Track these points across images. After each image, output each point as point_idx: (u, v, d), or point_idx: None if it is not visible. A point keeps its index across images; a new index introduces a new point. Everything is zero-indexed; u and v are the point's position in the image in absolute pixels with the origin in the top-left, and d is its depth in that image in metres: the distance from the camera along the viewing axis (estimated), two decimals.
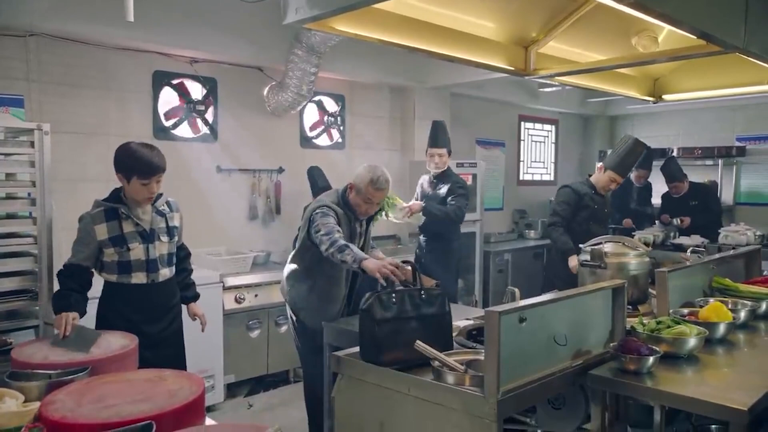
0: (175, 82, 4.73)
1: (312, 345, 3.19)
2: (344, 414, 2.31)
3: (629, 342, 2.14)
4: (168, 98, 4.71)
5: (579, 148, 8.65)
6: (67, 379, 1.86)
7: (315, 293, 3.18)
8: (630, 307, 2.76)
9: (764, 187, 7.10)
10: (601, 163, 4.44)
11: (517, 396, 1.89)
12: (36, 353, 2.20)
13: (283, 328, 4.70)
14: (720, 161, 7.06)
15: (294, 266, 3.27)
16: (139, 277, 2.73)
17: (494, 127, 7.36)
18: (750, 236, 5.38)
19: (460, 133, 6.65)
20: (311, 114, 5.65)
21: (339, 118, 5.82)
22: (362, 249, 3.24)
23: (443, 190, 4.59)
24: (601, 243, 3.09)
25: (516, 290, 2.70)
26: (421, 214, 4.40)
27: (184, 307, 3.03)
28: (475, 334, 2.48)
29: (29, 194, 2.94)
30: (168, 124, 4.71)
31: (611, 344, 2.21)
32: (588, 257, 3.06)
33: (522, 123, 7.82)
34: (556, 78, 3.57)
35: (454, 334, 2.41)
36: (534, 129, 8.04)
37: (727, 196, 7.17)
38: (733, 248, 4.59)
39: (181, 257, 3.01)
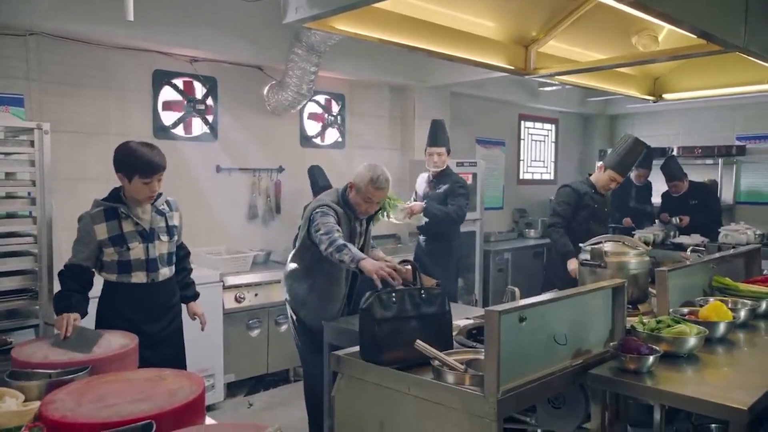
0: (175, 81, 4.73)
1: (312, 344, 3.20)
2: (344, 413, 2.31)
3: (629, 341, 2.14)
4: (168, 97, 4.71)
5: (579, 148, 8.65)
6: (67, 379, 1.86)
7: (315, 292, 3.18)
8: (630, 306, 2.76)
9: (764, 186, 7.10)
10: (601, 163, 4.44)
11: (517, 395, 1.89)
12: (36, 353, 2.20)
13: (283, 328, 4.70)
14: (720, 160, 7.06)
15: (294, 265, 3.27)
16: (139, 277, 2.73)
17: (494, 127, 7.36)
18: (750, 235, 5.39)
19: (460, 132, 6.65)
20: (311, 113, 5.65)
21: (339, 118, 5.82)
22: (362, 248, 3.24)
23: (443, 189, 4.60)
24: (601, 242, 3.09)
25: (516, 290, 2.70)
26: (421, 214, 4.40)
27: (183, 306, 3.03)
28: (475, 334, 2.48)
29: (29, 193, 2.94)
30: (168, 123, 4.71)
31: (611, 343, 2.21)
32: (588, 256, 3.06)
33: (522, 122, 7.82)
34: (557, 77, 3.57)
35: (454, 334, 2.41)
36: (534, 128, 8.04)
37: (727, 195, 7.17)
38: (733, 247, 4.59)
39: (181, 256, 3.01)
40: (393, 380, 2.10)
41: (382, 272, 2.43)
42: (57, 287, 2.73)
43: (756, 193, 7.15)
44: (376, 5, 2.34)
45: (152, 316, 2.77)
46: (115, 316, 2.68)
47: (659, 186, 6.36)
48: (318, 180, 4.94)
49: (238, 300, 4.48)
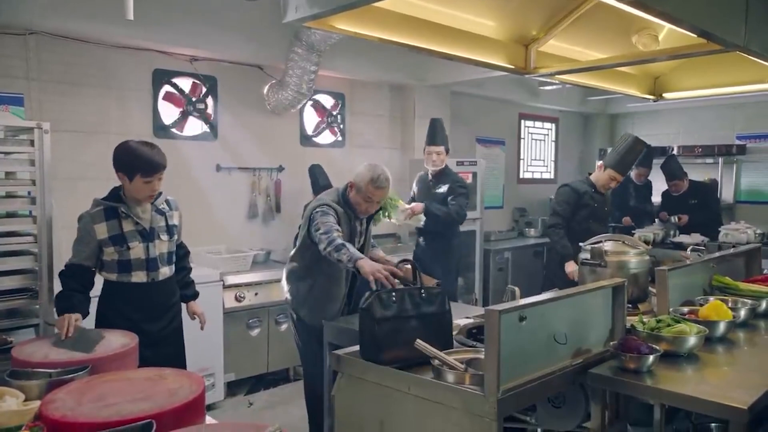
0: (175, 80, 4.72)
1: (312, 343, 3.20)
2: (344, 412, 2.31)
3: (629, 340, 2.14)
4: (168, 97, 4.71)
5: (579, 147, 8.64)
6: (67, 378, 1.86)
7: (315, 292, 3.18)
8: (630, 305, 2.76)
9: (764, 185, 7.10)
10: (601, 162, 4.44)
11: (517, 395, 1.89)
12: (36, 352, 2.20)
13: (283, 327, 4.70)
14: (720, 159, 7.06)
15: (294, 265, 3.27)
16: (139, 276, 2.73)
17: (494, 126, 7.36)
18: (750, 234, 5.38)
19: (460, 131, 6.66)
20: (311, 112, 5.65)
21: (339, 117, 5.82)
22: (363, 248, 3.24)
23: (443, 189, 4.59)
24: (601, 241, 3.10)
25: (516, 289, 2.70)
26: (421, 215, 4.39)
27: (183, 305, 3.03)
28: (475, 333, 2.48)
29: (29, 193, 2.94)
30: (168, 122, 4.71)
31: (611, 343, 2.21)
32: (588, 256, 3.06)
33: (522, 121, 7.82)
34: (557, 76, 3.57)
35: (454, 333, 2.42)
36: (534, 127, 8.04)
37: (727, 194, 7.17)
38: (734, 246, 4.58)
39: (180, 256, 3.01)
40: (393, 379, 2.10)
41: (379, 274, 2.42)
42: (57, 286, 2.73)
43: (756, 192, 7.15)
44: (376, 4, 2.34)
45: (152, 315, 2.78)
46: (115, 316, 2.69)
47: (659, 185, 6.36)
48: (319, 179, 4.94)
49: (238, 299, 4.48)
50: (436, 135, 4.69)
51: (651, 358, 2.06)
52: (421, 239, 4.79)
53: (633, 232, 5.52)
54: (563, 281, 3.95)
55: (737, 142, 7.16)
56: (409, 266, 2.77)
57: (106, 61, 4.32)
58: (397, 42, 2.69)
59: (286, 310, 3.45)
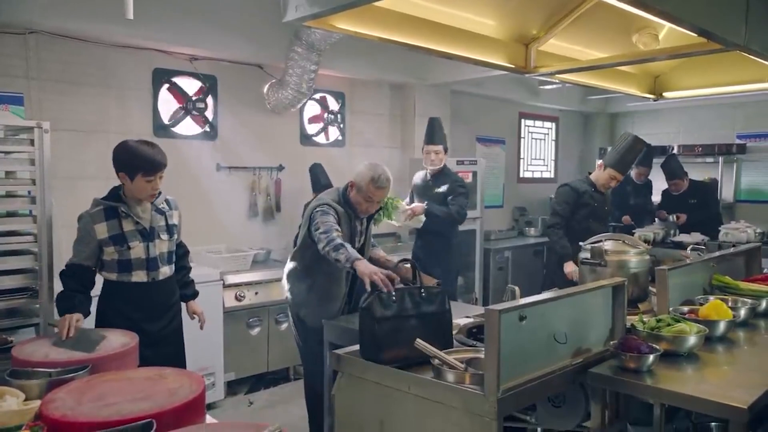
0: (175, 79, 4.72)
1: (312, 343, 3.20)
2: (344, 412, 2.32)
3: (629, 340, 2.14)
4: (168, 96, 4.71)
5: (579, 146, 8.64)
6: (67, 378, 1.86)
7: (315, 291, 3.18)
8: (630, 305, 2.75)
9: (764, 184, 7.10)
10: (600, 161, 4.44)
11: (517, 394, 1.89)
12: (36, 351, 2.20)
13: (283, 326, 4.71)
14: (720, 159, 7.06)
15: (294, 264, 3.27)
16: (139, 276, 2.73)
17: (494, 125, 7.36)
18: (750, 234, 5.38)
19: (460, 130, 6.65)
20: (311, 111, 5.64)
21: (339, 116, 5.82)
22: (363, 247, 3.25)
23: (443, 189, 4.58)
24: (601, 241, 3.09)
25: (516, 288, 2.70)
26: (421, 216, 4.37)
27: (183, 305, 3.03)
28: (475, 332, 2.48)
29: (29, 192, 2.94)
30: (168, 121, 4.70)
31: (611, 342, 2.21)
32: (588, 255, 3.06)
33: (522, 120, 7.82)
34: (557, 76, 3.57)
35: (454, 332, 2.42)
36: (534, 126, 8.03)
37: (727, 193, 7.17)
38: (734, 246, 4.58)
39: (180, 255, 3.01)
40: (393, 379, 2.10)
41: (375, 277, 2.40)
42: (57, 286, 2.73)
43: (756, 191, 7.15)
44: (376, 4, 2.33)
45: (152, 314, 2.78)
46: (116, 315, 2.69)
47: (660, 184, 6.36)
48: (320, 178, 4.93)
49: (238, 298, 4.48)
50: (434, 134, 4.68)
51: (651, 357, 2.06)
52: (420, 239, 4.79)
53: (633, 231, 5.52)
54: (563, 280, 3.95)
55: (737, 141, 7.16)
56: (408, 265, 2.77)
57: (105, 60, 4.32)
58: (397, 41, 2.69)
59: (286, 309, 3.44)
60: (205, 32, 4.31)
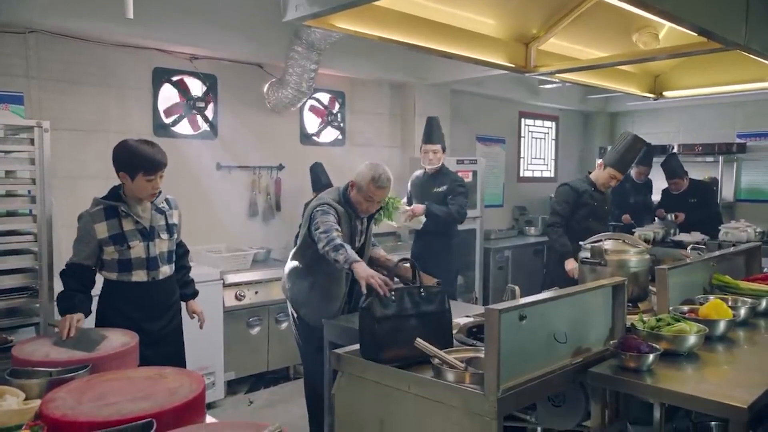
0: (175, 78, 4.72)
1: (312, 342, 3.20)
2: (344, 411, 2.32)
3: (629, 339, 2.14)
4: (168, 95, 4.71)
5: (579, 145, 8.64)
6: (67, 377, 1.86)
7: (315, 290, 3.18)
8: (630, 304, 2.76)
9: (765, 183, 7.10)
10: (600, 160, 4.44)
11: (517, 394, 1.89)
12: (36, 351, 2.21)
13: (284, 325, 4.71)
14: (720, 158, 7.06)
15: (295, 263, 3.27)
16: (139, 275, 2.73)
17: (494, 124, 7.35)
18: (750, 233, 5.38)
19: (460, 129, 6.65)
20: (311, 111, 5.64)
21: (339, 115, 5.82)
22: (363, 247, 3.25)
23: (442, 188, 4.56)
24: (601, 240, 3.09)
25: (516, 288, 2.70)
26: (421, 217, 4.35)
27: (183, 304, 3.03)
28: (475, 332, 2.48)
29: (29, 192, 2.94)
30: (168, 121, 4.70)
31: (611, 342, 2.21)
32: (588, 254, 3.06)
33: (522, 119, 7.82)
34: (557, 75, 3.57)
35: (454, 332, 2.42)
36: (534, 125, 8.03)
37: (727, 192, 7.17)
38: (734, 245, 4.58)
39: (180, 254, 3.01)
40: (393, 378, 2.10)
41: (372, 280, 2.40)
42: (57, 285, 2.73)
43: (756, 190, 7.15)
44: (376, 3, 2.33)
45: (153, 314, 2.78)
46: (116, 315, 2.69)
47: (660, 183, 6.36)
48: (320, 177, 4.93)
49: (238, 298, 4.48)
50: (432, 133, 4.67)
51: (651, 357, 2.06)
52: (419, 238, 4.77)
53: (633, 230, 5.52)
54: (564, 279, 3.95)
55: (737, 140, 7.16)
56: (408, 265, 2.77)
57: (106, 59, 4.32)
58: (397, 41, 2.69)
59: (287, 308, 3.44)
60: (205, 31, 4.31)
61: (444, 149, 4.68)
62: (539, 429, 2.47)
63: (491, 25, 3.05)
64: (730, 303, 2.74)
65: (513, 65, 3.25)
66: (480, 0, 2.89)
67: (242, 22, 4.44)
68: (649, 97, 4.25)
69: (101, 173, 3.89)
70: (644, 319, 2.40)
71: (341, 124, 5.84)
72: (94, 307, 2.72)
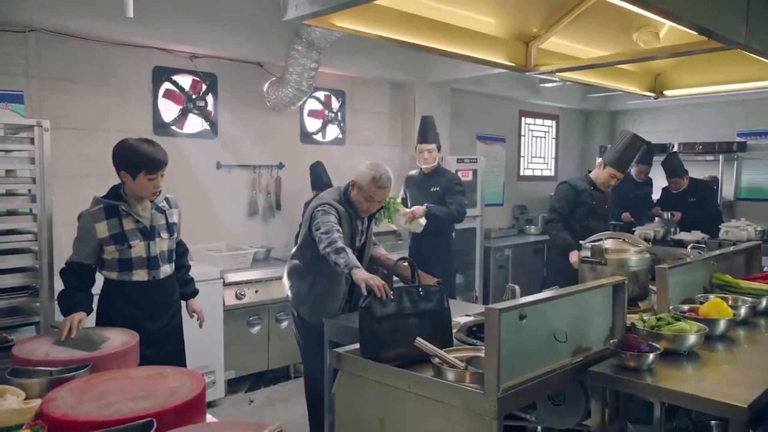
0: (175, 77, 4.72)
1: (313, 341, 3.20)
2: (345, 410, 2.32)
3: (629, 339, 2.14)
4: (168, 94, 4.70)
5: (580, 144, 8.64)
6: (68, 376, 1.86)
7: (316, 290, 3.18)
8: (630, 303, 2.76)
9: (765, 182, 7.10)
10: (600, 159, 4.43)
11: (518, 393, 1.89)
12: (37, 350, 2.21)
13: (284, 324, 4.71)
14: (721, 157, 7.06)
15: (295, 262, 3.27)
16: (140, 275, 2.73)
17: (495, 123, 7.35)
18: (750, 232, 5.38)
19: (460, 128, 6.65)
20: (311, 110, 5.64)
21: (339, 114, 5.81)
22: (363, 247, 3.25)
23: (439, 188, 4.55)
24: (601, 239, 3.09)
25: (516, 287, 2.70)
26: (421, 219, 4.32)
27: (183, 303, 3.03)
28: (475, 331, 2.48)
29: (29, 191, 2.93)
30: (168, 119, 4.70)
31: (611, 341, 2.21)
32: (588, 254, 3.06)
33: (522, 118, 7.81)
34: (557, 74, 3.56)
35: (454, 331, 2.42)
36: (534, 124, 8.03)
37: (727, 191, 7.17)
38: (734, 244, 4.58)
39: (179, 253, 3.01)
40: (393, 377, 2.11)
41: (372, 282, 2.40)
42: (58, 284, 2.73)
43: (757, 189, 7.15)
44: (377, 2, 2.33)
45: (153, 313, 2.78)
46: (116, 314, 2.69)
47: (660, 182, 6.35)
48: (321, 176, 4.92)
49: (238, 297, 4.48)
50: (427, 133, 4.65)
51: (651, 356, 2.06)
52: (417, 237, 4.74)
53: (633, 229, 5.51)
54: (565, 278, 3.94)
55: (738, 139, 7.15)
56: (407, 264, 2.77)
57: (106, 58, 4.31)
58: (397, 40, 2.68)
59: (287, 307, 3.44)
60: (205, 30, 4.31)
61: (439, 148, 4.66)
62: (539, 428, 2.48)
63: (491, 24, 3.04)
64: (730, 302, 2.74)
65: (513, 64, 3.25)
66: None
67: (242, 21, 4.43)
68: (650, 96, 4.25)
69: (101, 172, 3.87)
70: (644, 318, 2.40)
71: (341, 123, 5.83)
72: (94, 305, 2.72)
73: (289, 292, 3.33)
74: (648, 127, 7.73)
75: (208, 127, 4.92)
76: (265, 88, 5.07)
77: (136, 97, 4.51)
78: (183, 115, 4.77)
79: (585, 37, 3.35)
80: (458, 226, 4.90)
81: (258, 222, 5.23)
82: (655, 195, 6.47)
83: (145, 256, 2.72)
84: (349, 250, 2.77)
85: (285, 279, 3.35)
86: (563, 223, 4.23)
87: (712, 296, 2.80)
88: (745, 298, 2.85)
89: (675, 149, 6.94)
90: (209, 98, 4.90)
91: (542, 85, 6.91)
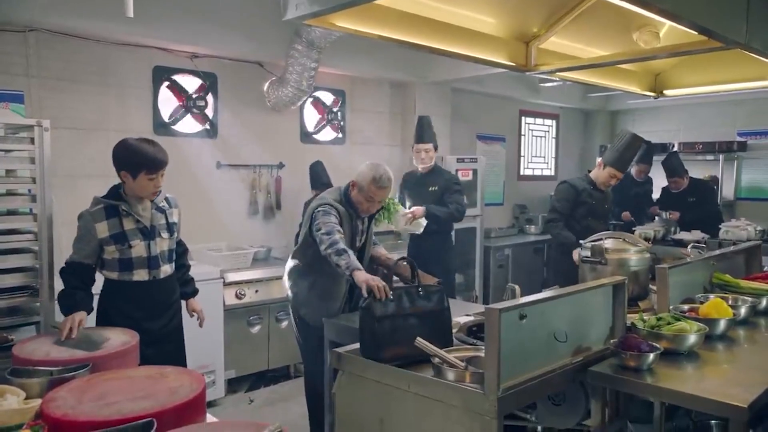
0: (175, 77, 4.72)
1: (313, 341, 3.20)
2: (345, 410, 2.32)
3: (629, 338, 2.14)
4: (168, 94, 4.70)
5: (580, 143, 8.63)
6: (68, 376, 1.86)
7: (316, 290, 3.18)
8: (630, 303, 2.76)
9: (765, 182, 7.09)
10: (600, 159, 4.43)
11: (518, 393, 1.89)
12: (37, 350, 2.21)
13: (284, 324, 4.71)
14: (721, 156, 7.05)
15: (296, 262, 3.28)
16: (140, 275, 2.73)
17: (495, 122, 7.35)
18: (750, 231, 5.38)
19: (460, 128, 6.65)
20: (311, 109, 5.64)
21: (339, 114, 5.81)
22: (364, 246, 3.24)
23: (437, 188, 4.54)
24: (601, 239, 3.10)
25: (516, 287, 2.70)
26: (421, 220, 4.30)
27: (183, 302, 3.03)
28: (475, 331, 2.49)
29: (29, 190, 2.93)
30: (168, 119, 4.70)
31: (611, 341, 2.21)
32: (588, 253, 3.06)
33: (523, 118, 7.81)
34: (557, 73, 3.56)
35: (454, 331, 2.42)
36: (535, 124, 8.03)
37: (728, 191, 7.16)
38: (734, 244, 4.58)
39: (179, 253, 3.01)
40: (393, 377, 2.11)
41: (372, 283, 2.40)
42: (58, 284, 2.73)
43: (757, 189, 7.14)
44: (377, 2, 2.33)
45: (154, 313, 2.78)
46: (117, 314, 2.69)
47: (660, 182, 6.35)
48: (320, 176, 4.92)
49: (238, 296, 4.48)
50: (423, 133, 4.64)
51: (651, 356, 2.06)
52: (415, 236, 4.73)
53: (634, 229, 5.51)
54: (565, 278, 3.94)
55: (738, 138, 7.15)
56: (407, 264, 2.77)
57: (106, 58, 4.31)
58: (397, 40, 2.69)
59: (287, 307, 3.44)
60: (205, 30, 4.31)
61: (436, 148, 4.65)
62: (539, 428, 2.48)
63: (492, 24, 3.05)
64: (730, 302, 2.74)
65: (513, 64, 3.25)
66: None
67: (242, 21, 4.43)
68: (650, 96, 4.25)
69: (101, 172, 3.88)
70: (644, 318, 2.41)
71: (341, 123, 5.83)
72: (94, 305, 2.72)
73: (289, 292, 3.33)
74: (648, 127, 7.73)
75: (208, 127, 4.92)
76: (265, 88, 5.07)
77: (136, 96, 4.51)
78: (183, 114, 4.77)
79: (585, 36, 3.35)
80: (458, 226, 4.90)
81: (258, 222, 5.23)
82: (655, 195, 6.46)
83: (145, 255, 2.72)
84: (350, 252, 2.77)
85: (285, 279, 3.35)
86: (564, 223, 4.23)
87: (712, 296, 2.80)
88: (745, 297, 2.85)
89: (675, 149, 6.93)
90: (209, 98, 4.90)
91: (542, 84, 6.90)
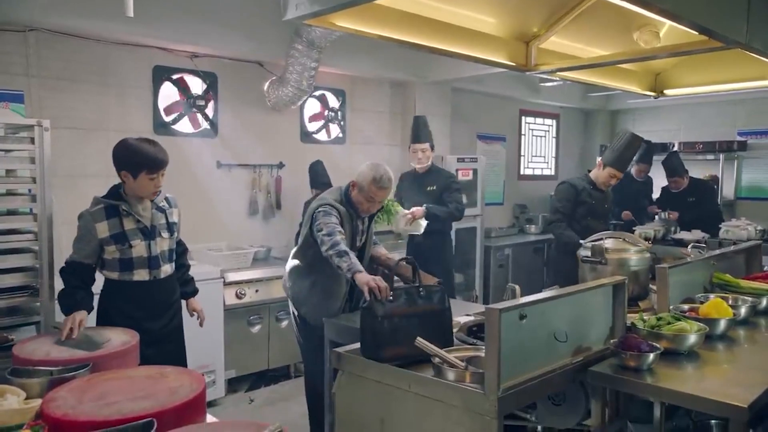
0: (175, 77, 4.72)
1: (313, 341, 3.20)
2: (345, 410, 2.32)
3: (629, 338, 2.14)
4: (168, 93, 4.70)
5: (580, 143, 8.63)
6: (68, 376, 1.86)
7: (316, 289, 3.18)
8: (630, 303, 2.75)
9: (765, 181, 7.09)
10: (600, 159, 4.43)
11: (518, 393, 1.89)
12: (37, 350, 2.21)
13: (284, 324, 4.71)
14: (721, 156, 7.05)
15: (296, 262, 3.28)
16: (141, 274, 2.73)
17: (495, 122, 7.35)
18: (751, 231, 5.38)
19: (460, 127, 6.65)
20: (312, 109, 5.64)
21: (339, 113, 5.81)
22: (364, 246, 3.24)
23: (436, 187, 4.53)
24: (601, 239, 3.09)
25: (516, 287, 2.70)
26: (422, 220, 4.29)
27: (183, 302, 3.03)
28: (475, 330, 2.49)
29: (29, 190, 2.93)
30: (168, 119, 4.70)
31: (611, 341, 2.21)
32: (588, 253, 3.06)
33: (523, 117, 7.81)
34: (558, 73, 3.56)
35: (454, 330, 2.42)
36: (535, 123, 8.03)
37: (728, 190, 7.16)
38: (734, 243, 4.58)
39: (179, 253, 3.01)
40: (393, 377, 2.11)
41: (373, 283, 2.41)
42: (58, 284, 2.73)
43: (757, 188, 7.14)
44: (377, 2, 2.33)
45: (154, 313, 2.78)
46: (117, 314, 2.69)
47: (660, 181, 6.35)
48: (319, 176, 4.92)
49: (238, 296, 4.48)
50: (419, 132, 4.63)
51: (651, 356, 2.06)
52: (414, 236, 4.72)
53: (634, 228, 5.51)
54: (565, 278, 3.94)
55: (738, 138, 7.15)
56: (408, 264, 2.77)
57: (106, 57, 4.31)
58: (397, 39, 2.69)
59: (287, 306, 3.44)
60: (205, 30, 4.31)
61: (432, 147, 4.63)
62: (539, 428, 2.48)
63: (492, 24, 3.04)
64: (730, 302, 2.74)
65: (514, 63, 3.25)
66: None
67: (242, 21, 4.43)
68: (650, 95, 4.25)
69: (101, 172, 3.89)
70: (644, 317, 2.40)
71: (341, 123, 5.83)
72: (94, 305, 2.72)
73: (289, 292, 3.33)
74: (648, 127, 7.73)
75: (208, 127, 4.92)
76: (265, 88, 5.07)
77: (136, 96, 4.51)
78: (183, 114, 4.77)
79: (585, 36, 3.34)
80: (458, 225, 4.90)
81: (258, 221, 5.23)
82: (655, 194, 6.46)
83: (146, 255, 2.73)
84: (351, 254, 2.76)
85: (285, 279, 3.35)
86: (566, 223, 4.23)
87: (712, 296, 2.80)
88: (746, 297, 2.85)
89: (675, 148, 6.93)
90: (209, 97, 4.90)
91: (542, 84, 6.90)
